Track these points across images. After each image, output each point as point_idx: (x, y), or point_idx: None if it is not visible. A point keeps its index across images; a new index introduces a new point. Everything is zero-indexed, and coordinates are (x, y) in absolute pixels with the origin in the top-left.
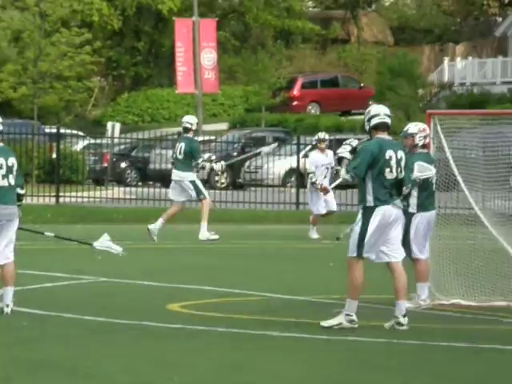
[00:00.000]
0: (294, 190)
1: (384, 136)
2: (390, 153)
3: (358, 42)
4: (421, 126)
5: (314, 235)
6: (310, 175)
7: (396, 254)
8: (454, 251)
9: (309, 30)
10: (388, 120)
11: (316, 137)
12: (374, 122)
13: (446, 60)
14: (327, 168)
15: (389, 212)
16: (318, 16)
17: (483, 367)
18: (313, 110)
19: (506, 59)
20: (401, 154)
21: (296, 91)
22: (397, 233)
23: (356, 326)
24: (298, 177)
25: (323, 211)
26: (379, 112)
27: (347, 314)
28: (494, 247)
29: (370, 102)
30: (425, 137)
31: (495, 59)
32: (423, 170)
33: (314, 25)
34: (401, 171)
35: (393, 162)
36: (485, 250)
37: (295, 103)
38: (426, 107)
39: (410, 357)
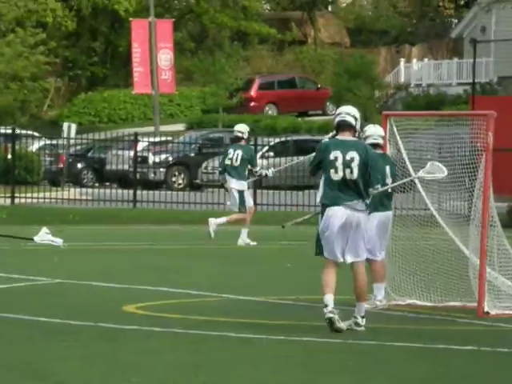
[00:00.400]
0: (251, 191)
1: (343, 136)
2: (335, 154)
3: (315, 43)
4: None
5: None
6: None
7: (352, 256)
8: (409, 252)
9: (265, 33)
10: (349, 119)
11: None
12: (335, 120)
13: (402, 61)
14: None
15: (339, 213)
16: (275, 17)
17: (439, 367)
18: (270, 111)
19: (462, 61)
20: (352, 154)
21: (253, 92)
22: (355, 234)
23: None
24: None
25: None
26: (341, 111)
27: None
28: (449, 248)
29: (327, 104)
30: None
31: (451, 61)
32: (435, 171)
33: (271, 26)
34: (351, 172)
35: (338, 163)
36: (441, 251)
37: (252, 104)
38: (383, 108)
39: (366, 357)
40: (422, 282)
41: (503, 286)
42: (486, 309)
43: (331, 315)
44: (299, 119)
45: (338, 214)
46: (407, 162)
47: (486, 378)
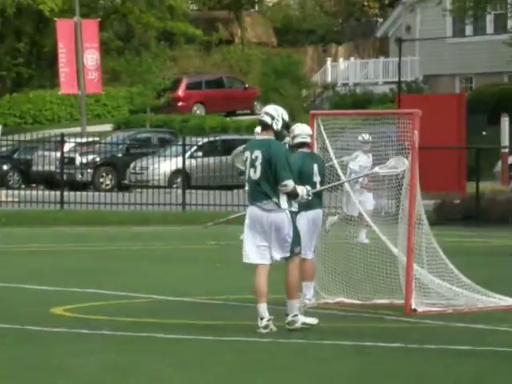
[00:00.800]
0: (180, 191)
1: (259, 136)
2: (247, 154)
3: (242, 43)
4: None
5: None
6: (353, 175)
7: (279, 253)
8: (338, 251)
9: (192, 33)
10: (265, 118)
11: (360, 138)
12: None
13: (329, 61)
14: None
15: (252, 213)
16: (201, 17)
17: (367, 365)
18: (198, 110)
19: (388, 59)
20: (257, 153)
21: (181, 92)
22: (276, 235)
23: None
24: (185, 177)
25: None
26: (262, 110)
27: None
28: (378, 246)
29: (255, 103)
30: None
31: (377, 60)
32: (398, 166)
33: (198, 26)
34: (255, 171)
35: (247, 163)
36: (369, 250)
37: (180, 104)
38: (310, 108)
39: (296, 356)
40: (351, 280)
41: (430, 283)
42: (413, 306)
43: (265, 331)
44: (227, 119)
45: (250, 214)
46: (335, 161)
47: (413, 374)
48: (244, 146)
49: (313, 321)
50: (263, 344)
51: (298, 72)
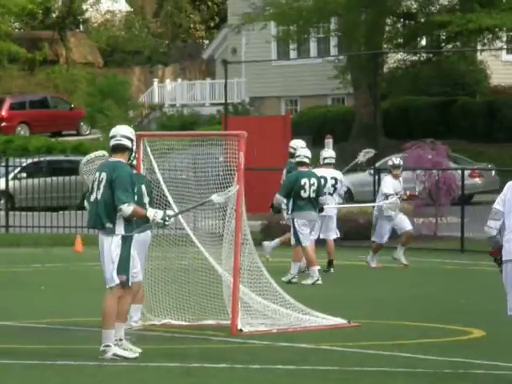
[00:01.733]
0: (2, 213)
1: (112, 158)
2: (96, 175)
3: (67, 63)
4: None
5: (374, 264)
6: (390, 196)
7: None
8: (165, 272)
9: (15, 53)
10: (122, 141)
11: (391, 162)
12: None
13: (156, 82)
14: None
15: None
16: (25, 36)
17: None
18: (22, 131)
19: (214, 81)
20: (103, 175)
21: (4, 112)
22: (102, 258)
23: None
24: (8, 199)
25: (386, 240)
26: (115, 133)
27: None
28: (204, 267)
29: (81, 124)
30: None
31: (204, 81)
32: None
33: (22, 45)
34: (98, 193)
35: (94, 185)
36: (195, 270)
37: (4, 124)
38: (138, 129)
39: (121, 378)
40: (178, 301)
41: (256, 303)
42: (239, 326)
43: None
44: (53, 139)
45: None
46: (162, 182)
47: None
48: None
49: (130, 354)
50: (88, 367)
51: (124, 93)
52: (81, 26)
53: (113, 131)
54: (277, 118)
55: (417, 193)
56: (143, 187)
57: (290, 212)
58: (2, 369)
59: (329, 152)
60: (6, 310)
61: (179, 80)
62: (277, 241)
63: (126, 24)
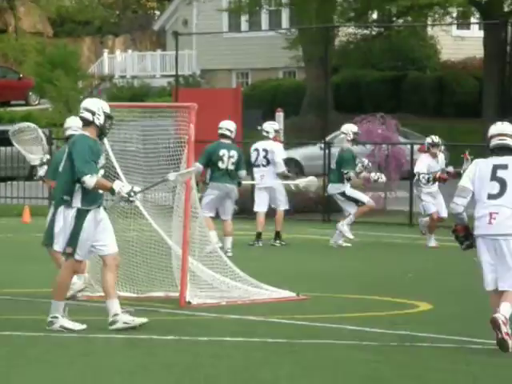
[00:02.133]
0: None
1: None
2: (67, 149)
3: (16, 32)
4: None
5: (433, 243)
6: (422, 175)
7: None
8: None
9: None
10: (83, 114)
11: (429, 140)
12: None
13: (106, 52)
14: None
15: None
16: None
17: (142, 358)
18: None
19: (165, 53)
20: (67, 149)
21: None
22: None
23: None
24: None
25: (444, 214)
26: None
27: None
28: (153, 239)
29: (30, 94)
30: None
31: (154, 53)
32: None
33: None
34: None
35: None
36: (144, 242)
37: None
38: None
39: (67, 349)
40: (126, 273)
41: (205, 275)
42: (187, 299)
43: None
44: (1, 109)
45: None
46: (110, 153)
47: (185, 365)
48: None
49: (76, 326)
50: (37, 338)
51: (74, 63)
52: None
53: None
54: (228, 90)
55: (452, 171)
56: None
57: (207, 181)
58: None
59: (266, 124)
60: None
61: (130, 51)
62: (351, 217)
63: None
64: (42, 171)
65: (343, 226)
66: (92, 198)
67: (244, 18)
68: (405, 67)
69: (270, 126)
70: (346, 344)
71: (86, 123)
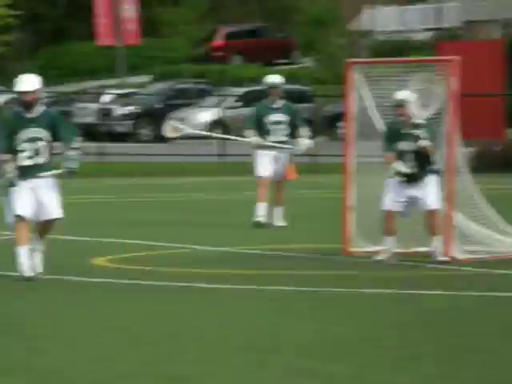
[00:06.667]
0: (219, 141)
1: None
2: None
3: None
4: None
5: None
6: None
7: None
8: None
9: None
10: None
11: None
12: None
13: (367, 8)
14: None
15: None
16: None
17: (407, 315)
18: (236, 60)
19: (427, 6)
20: None
21: (218, 42)
22: None
23: None
24: (222, 128)
25: None
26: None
27: None
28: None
29: (294, 52)
30: None
31: (415, 6)
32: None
33: None
34: None
35: None
36: None
37: (218, 54)
38: (348, 56)
39: (335, 305)
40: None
41: (470, 229)
42: (454, 253)
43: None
44: (266, 68)
45: None
46: (370, 110)
47: (465, 322)
48: None
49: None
50: (303, 293)
51: (336, 19)
52: None
53: None
54: (490, 42)
55: None
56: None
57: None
58: (218, 291)
59: None
60: (221, 236)
61: (391, 5)
62: None
63: None
64: None
65: None
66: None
67: None
68: None
69: None
70: None
71: None
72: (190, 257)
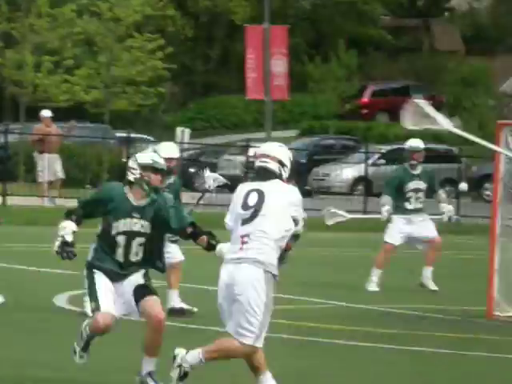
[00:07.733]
0: (361, 198)
1: None
2: None
3: (431, 50)
4: None
5: None
6: None
7: None
8: None
9: (380, 39)
10: None
11: None
12: None
13: None
14: None
15: None
16: (390, 24)
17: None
18: (382, 118)
19: None
20: None
21: (366, 99)
22: None
23: None
24: (366, 185)
25: None
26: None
27: None
28: None
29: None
30: None
31: None
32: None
33: (386, 33)
34: None
35: None
36: None
37: (365, 111)
38: (498, 118)
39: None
40: None
41: None
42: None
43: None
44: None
45: None
46: None
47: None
48: None
49: None
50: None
51: (485, 80)
52: (445, 14)
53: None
54: None
55: None
56: None
57: None
58: (358, 349)
59: None
60: (357, 293)
61: None
62: None
63: (490, 10)
64: None
65: None
66: None
67: None
68: None
69: None
70: None
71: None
72: (331, 313)
